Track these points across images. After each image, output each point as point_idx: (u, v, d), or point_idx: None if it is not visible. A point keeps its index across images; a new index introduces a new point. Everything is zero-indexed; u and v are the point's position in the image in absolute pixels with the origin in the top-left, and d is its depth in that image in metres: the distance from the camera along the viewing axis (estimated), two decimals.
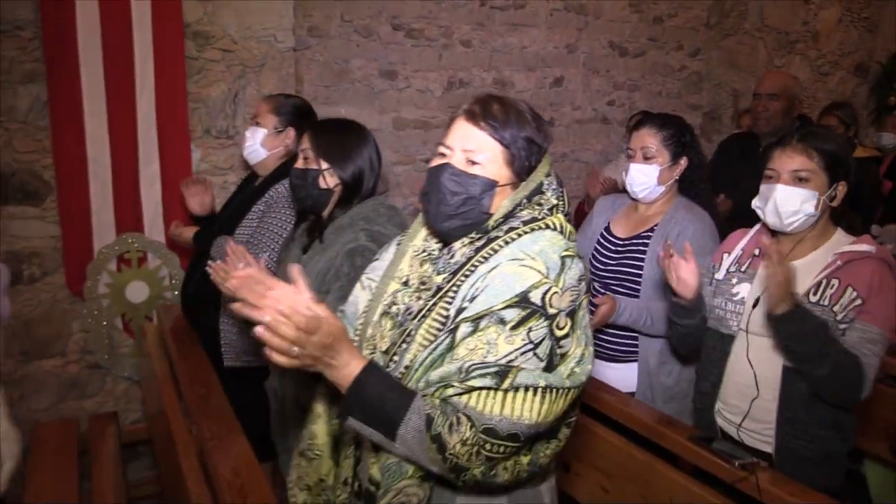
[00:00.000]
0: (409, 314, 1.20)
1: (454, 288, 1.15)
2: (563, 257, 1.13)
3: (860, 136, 3.95)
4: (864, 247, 1.66)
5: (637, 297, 2.07)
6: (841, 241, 1.71)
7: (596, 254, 2.19)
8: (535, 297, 1.08)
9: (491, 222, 1.19)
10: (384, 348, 1.21)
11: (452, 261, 1.20)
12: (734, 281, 1.81)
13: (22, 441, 1.04)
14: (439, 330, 1.13)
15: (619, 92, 4.29)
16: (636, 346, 2.09)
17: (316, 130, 1.84)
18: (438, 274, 1.21)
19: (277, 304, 0.99)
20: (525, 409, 1.05)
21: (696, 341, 1.86)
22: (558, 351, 1.09)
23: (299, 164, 1.81)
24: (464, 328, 1.10)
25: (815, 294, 1.65)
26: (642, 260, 2.08)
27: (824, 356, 1.56)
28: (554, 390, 1.07)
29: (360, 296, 1.34)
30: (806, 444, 1.66)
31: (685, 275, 1.74)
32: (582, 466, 1.95)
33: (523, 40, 3.90)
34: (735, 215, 2.62)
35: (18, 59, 2.58)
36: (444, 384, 1.08)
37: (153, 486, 2.83)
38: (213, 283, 1.78)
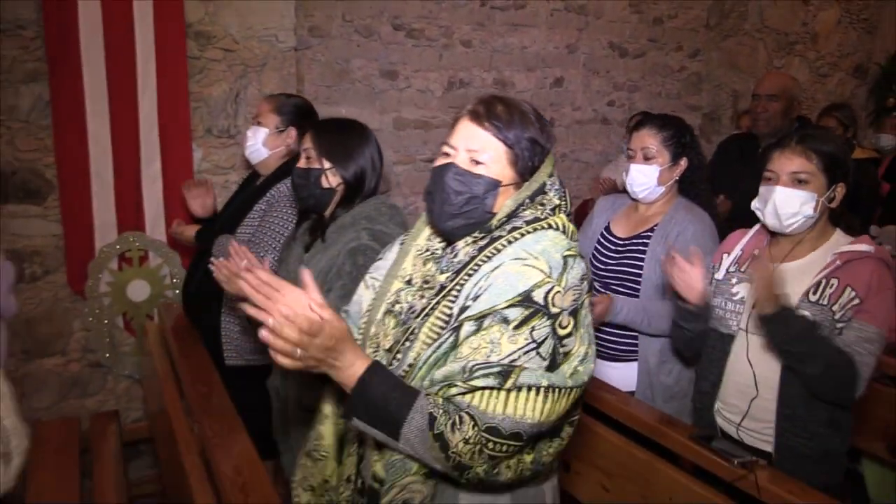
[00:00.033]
0: (413, 312, 1.21)
1: (457, 286, 1.16)
2: (565, 257, 1.14)
3: (859, 138, 3.96)
4: (863, 247, 1.67)
5: (637, 296, 2.08)
6: (840, 242, 1.73)
7: (596, 253, 2.20)
8: (538, 296, 1.09)
9: (494, 222, 1.20)
10: (388, 346, 1.22)
11: (456, 260, 1.21)
12: (734, 281, 1.82)
13: (30, 437, 1.05)
14: (442, 328, 1.14)
15: (618, 92, 4.30)
16: (636, 345, 2.10)
17: (318, 130, 1.84)
18: (442, 273, 1.22)
19: (281, 306, 1.00)
20: (528, 409, 1.06)
21: (702, 344, 1.87)
22: (561, 350, 1.10)
23: (302, 163, 1.82)
24: (467, 327, 1.11)
25: (814, 294, 1.66)
26: (642, 260, 2.09)
27: (814, 356, 1.58)
28: (556, 390, 1.08)
29: (363, 295, 1.35)
30: (805, 441, 1.67)
31: (693, 280, 1.73)
32: (582, 465, 1.95)
33: (523, 40, 3.91)
34: (734, 216, 2.63)
35: (21, 59, 2.59)
36: (447, 383, 1.09)
37: (154, 485, 2.84)
38: (214, 282, 1.79)
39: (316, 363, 1.06)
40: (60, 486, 1.97)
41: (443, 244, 1.27)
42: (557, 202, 1.22)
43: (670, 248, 1.80)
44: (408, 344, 1.17)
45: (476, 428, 1.06)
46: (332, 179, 1.78)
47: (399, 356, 1.18)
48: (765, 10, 4.56)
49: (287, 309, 1.00)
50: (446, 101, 3.73)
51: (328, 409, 1.33)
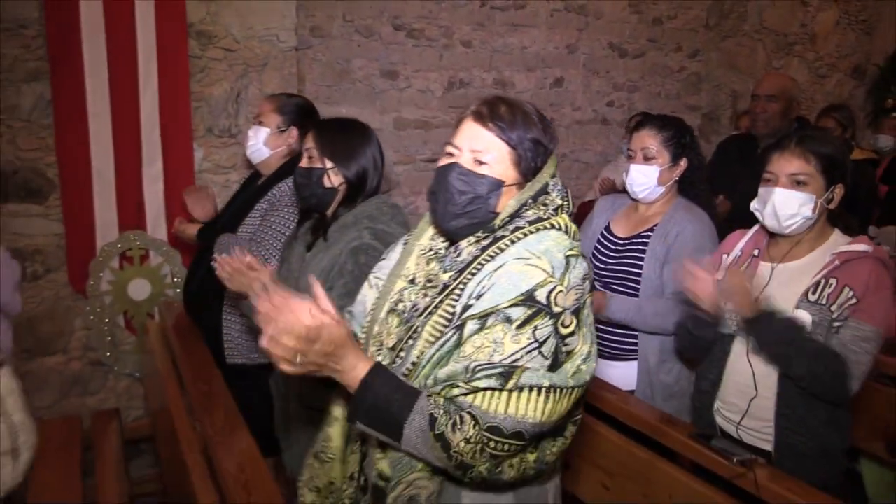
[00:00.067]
0: (416, 311, 1.22)
1: (461, 285, 1.17)
2: (567, 256, 1.15)
3: (857, 139, 3.97)
4: (861, 247, 1.69)
5: (637, 296, 2.09)
6: (838, 242, 1.74)
7: (596, 253, 2.21)
8: (541, 295, 1.10)
9: (497, 221, 1.21)
10: (391, 345, 1.23)
11: (459, 259, 1.22)
12: None
13: (37, 433, 1.06)
14: (445, 326, 1.15)
15: (618, 93, 4.31)
16: (636, 344, 2.11)
17: (320, 129, 1.85)
18: (445, 272, 1.23)
19: (279, 315, 1.03)
20: (529, 409, 1.07)
21: (708, 348, 1.87)
22: (564, 349, 1.11)
23: (304, 162, 1.82)
24: (471, 325, 1.12)
25: (813, 293, 1.67)
26: (642, 259, 2.10)
27: (797, 357, 1.61)
28: (558, 390, 1.09)
29: (367, 294, 1.36)
30: (804, 439, 1.68)
31: (708, 288, 1.71)
32: (583, 464, 1.96)
33: (523, 41, 3.92)
34: (734, 216, 2.64)
35: (22, 58, 2.60)
36: (450, 383, 1.10)
37: (156, 483, 2.84)
38: (215, 281, 1.80)
39: (317, 367, 1.08)
40: (62, 484, 1.98)
41: (446, 244, 1.28)
42: (560, 202, 1.23)
43: (686, 261, 1.78)
44: (411, 342, 1.18)
45: (477, 427, 1.07)
46: (334, 179, 1.79)
47: (402, 354, 1.19)
48: (764, 11, 4.57)
49: (284, 319, 1.03)
50: (446, 101, 3.74)
51: (338, 411, 1.34)
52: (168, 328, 2.55)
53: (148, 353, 2.64)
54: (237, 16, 2.90)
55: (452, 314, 1.16)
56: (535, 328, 1.09)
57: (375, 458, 1.19)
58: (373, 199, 1.82)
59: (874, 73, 5.07)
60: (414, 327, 1.19)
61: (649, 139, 2.11)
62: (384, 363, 1.20)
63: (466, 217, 1.20)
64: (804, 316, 1.67)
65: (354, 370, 1.10)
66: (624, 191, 2.24)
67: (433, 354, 1.15)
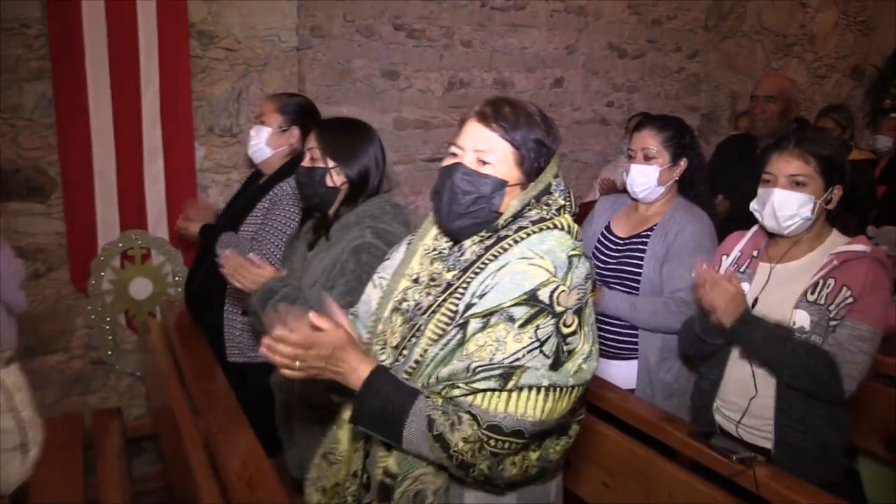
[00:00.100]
0: (419, 309, 1.23)
1: (464, 284, 1.18)
2: (570, 256, 1.16)
3: (856, 139, 3.98)
4: (859, 247, 1.70)
5: (636, 295, 2.11)
6: (836, 242, 1.75)
7: (596, 252, 2.22)
8: (543, 295, 1.11)
9: (500, 221, 1.22)
10: (394, 343, 1.24)
11: (462, 258, 1.23)
12: None
13: (44, 429, 1.07)
14: (447, 324, 1.16)
15: (618, 93, 4.32)
16: (636, 342, 2.13)
17: (322, 129, 1.86)
18: (448, 271, 1.24)
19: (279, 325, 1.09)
20: (529, 408, 1.08)
21: (713, 352, 1.87)
22: (565, 348, 1.12)
23: (306, 162, 1.83)
24: (474, 324, 1.13)
25: (812, 294, 1.68)
26: (642, 259, 2.11)
27: (786, 365, 1.63)
28: (558, 388, 1.10)
29: (372, 294, 1.37)
30: (803, 438, 1.69)
31: (727, 295, 1.71)
32: (583, 462, 1.97)
33: (523, 41, 3.93)
34: (733, 216, 2.65)
35: (24, 57, 2.60)
36: (450, 383, 1.11)
37: (157, 482, 2.84)
38: (217, 279, 1.81)
39: (318, 371, 1.12)
40: (64, 483, 1.98)
41: (450, 243, 1.29)
42: (562, 202, 1.24)
43: (701, 263, 1.75)
44: (414, 340, 1.19)
45: (476, 426, 1.08)
46: (336, 178, 1.80)
47: (405, 352, 1.20)
48: (763, 12, 4.58)
49: (280, 329, 1.08)
50: (446, 102, 3.75)
51: (347, 413, 1.33)
52: (169, 327, 2.56)
53: (149, 351, 2.64)
54: (238, 16, 2.90)
55: (455, 312, 1.17)
56: (538, 327, 1.10)
57: (379, 456, 1.21)
58: (374, 199, 1.83)
59: (873, 73, 5.09)
60: (417, 325, 1.20)
61: (650, 139, 2.12)
62: (388, 362, 1.22)
63: (470, 217, 1.21)
64: (803, 316, 1.67)
65: (356, 372, 1.13)
66: (624, 191, 2.25)
67: (436, 353, 1.16)
